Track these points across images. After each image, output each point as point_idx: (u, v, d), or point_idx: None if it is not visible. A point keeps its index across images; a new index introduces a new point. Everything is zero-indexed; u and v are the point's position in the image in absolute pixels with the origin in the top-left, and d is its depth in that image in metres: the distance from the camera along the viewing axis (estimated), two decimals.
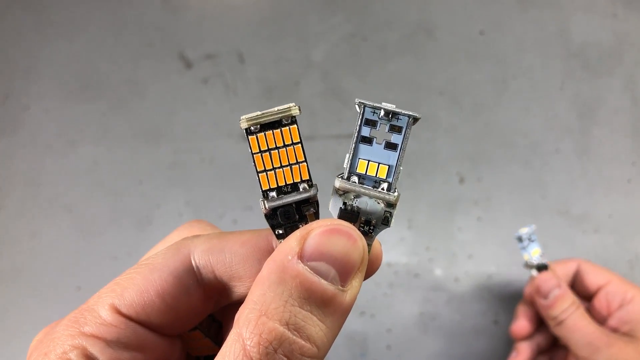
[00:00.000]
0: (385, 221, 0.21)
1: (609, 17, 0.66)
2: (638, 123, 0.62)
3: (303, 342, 0.18)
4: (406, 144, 0.20)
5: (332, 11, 0.66)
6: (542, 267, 0.45)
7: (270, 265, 0.19)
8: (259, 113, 0.20)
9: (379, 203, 0.21)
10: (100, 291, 0.22)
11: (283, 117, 0.20)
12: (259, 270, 0.22)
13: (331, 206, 0.21)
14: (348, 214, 0.21)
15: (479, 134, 0.61)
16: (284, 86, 0.64)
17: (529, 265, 0.46)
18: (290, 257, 0.19)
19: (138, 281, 0.22)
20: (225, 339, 0.24)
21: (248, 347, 0.18)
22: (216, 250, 0.23)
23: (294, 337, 0.18)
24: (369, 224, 0.21)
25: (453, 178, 0.60)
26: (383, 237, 0.62)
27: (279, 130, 0.20)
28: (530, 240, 0.46)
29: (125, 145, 0.62)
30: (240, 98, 0.63)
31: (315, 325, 0.18)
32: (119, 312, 0.21)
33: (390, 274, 0.57)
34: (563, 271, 0.47)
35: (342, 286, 0.19)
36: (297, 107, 0.20)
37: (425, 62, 0.64)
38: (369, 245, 0.21)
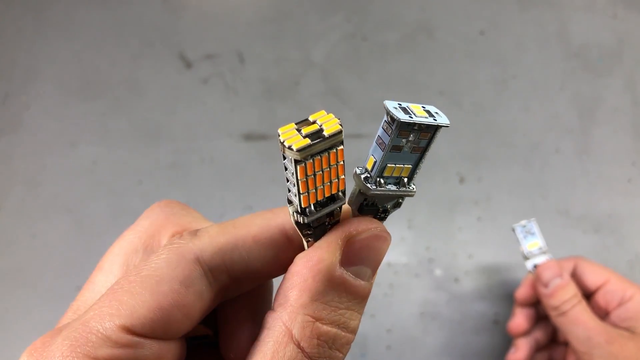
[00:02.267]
0: (397, 205, 0.22)
1: (609, 17, 0.66)
2: (638, 123, 0.62)
3: (349, 335, 0.21)
4: (431, 145, 0.21)
5: (332, 11, 0.66)
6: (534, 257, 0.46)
7: (315, 273, 0.20)
8: (308, 142, 0.18)
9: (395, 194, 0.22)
10: (99, 309, 0.20)
11: (335, 143, 0.19)
12: (275, 262, 0.23)
13: (353, 203, 0.22)
14: (369, 207, 0.22)
15: (479, 134, 0.61)
16: (284, 86, 0.64)
17: (524, 257, 0.47)
18: (335, 267, 0.20)
19: (146, 297, 0.20)
20: (240, 330, 0.25)
21: (307, 350, 0.20)
22: (228, 250, 0.22)
23: (344, 333, 0.21)
24: (386, 212, 0.22)
25: (453, 178, 0.60)
26: None
27: (326, 154, 0.19)
28: (530, 233, 0.47)
29: (125, 145, 0.62)
30: (240, 98, 0.63)
31: (356, 319, 0.21)
32: (132, 332, 0.20)
33: (390, 274, 0.57)
34: (565, 267, 0.47)
35: (372, 279, 0.22)
36: (340, 125, 0.19)
37: (425, 62, 0.64)
38: None
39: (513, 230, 0.47)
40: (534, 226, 0.47)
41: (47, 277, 0.58)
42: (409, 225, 0.58)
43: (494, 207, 0.59)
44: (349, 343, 0.21)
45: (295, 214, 0.20)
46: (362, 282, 0.21)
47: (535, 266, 0.46)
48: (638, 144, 0.61)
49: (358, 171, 0.21)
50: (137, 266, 0.22)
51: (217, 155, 0.61)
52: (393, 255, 0.57)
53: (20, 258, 0.58)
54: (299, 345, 0.20)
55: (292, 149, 0.18)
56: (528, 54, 0.64)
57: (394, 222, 0.58)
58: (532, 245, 0.46)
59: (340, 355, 0.21)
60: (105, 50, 0.66)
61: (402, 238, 0.58)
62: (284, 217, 0.23)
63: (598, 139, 0.61)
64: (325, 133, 0.19)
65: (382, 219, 0.23)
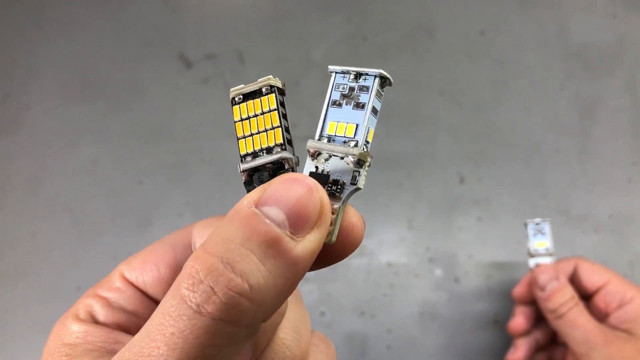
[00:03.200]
0: (354, 180, 0.21)
1: (609, 17, 0.66)
2: (638, 123, 0.62)
3: (232, 275, 0.17)
4: (374, 103, 0.21)
5: (332, 11, 0.66)
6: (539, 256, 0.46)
7: (227, 215, 0.19)
8: (242, 85, 0.22)
9: (348, 164, 0.21)
10: (122, 262, 0.26)
11: (262, 86, 0.22)
12: None
13: (304, 171, 0.22)
14: (317, 175, 0.21)
15: (479, 134, 0.61)
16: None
17: (529, 254, 0.47)
18: (245, 203, 0.19)
19: (145, 252, 0.25)
20: None
21: (180, 277, 0.17)
22: (211, 226, 0.24)
23: (224, 269, 0.17)
24: (337, 184, 0.21)
25: (453, 178, 0.60)
26: (383, 237, 0.62)
27: (258, 99, 0.22)
28: (541, 232, 0.46)
29: (125, 145, 0.62)
30: None
31: (252, 264, 0.17)
32: (124, 278, 0.24)
33: (390, 274, 0.57)
34: (562, 270, 0.47)
35: (293, 234, 0.18)
36: (277, 78, 0.22)
37: (425, 62, 0.64)
38: (340, 208, 0.21)
39: (525, 225, 0.47)
40: (546, 227, 0.47)
41: (47, 277, 0.58)
42: (409, 225, 0.58)
43: (494, 207, 0.59)
44: (231, 287, 0.17)
45: (238, 166, 0.22)
46: (268, 222, 0.18)
47: (537, 265, 0.46)
48: (638, 144, 0.61)
49: None
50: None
51: (217, 155, 0.61)
52: (393, 255, 0.57)
53: (20, 258, 0.58)
54: (180, 278, 0.17)
55: (230, 91, 0.22)
56: (528, 54, 0.64)
57: (394, 222, 0.58)
58: (540, 244, 0.46)
59: (218, 300, 0.16)
60: (105, 50, 0.66)
61: (402, 238, 0.58)
62: None
63: (598, 139, 0.61)
64: (258, 80, 0.22)
65: (333, 193, 0.21)
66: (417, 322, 0.55)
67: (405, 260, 0.57)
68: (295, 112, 0.62)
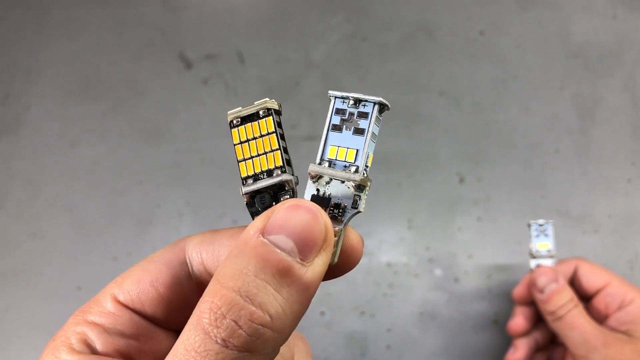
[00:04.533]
0: (355, 204, 0.22)
1: (609, 17, 0.66)
2: (638, 123, 0.62)
3: (254, 309, 0.18)
4: (373, 129, 0.22)
5: (332, 11, 0.66)
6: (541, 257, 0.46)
7: (235, 242, 0.20)
8: (240, 108, 0.23)
9: (349, 188, 0.22)
10: (108, 284, 0.24)
11: (259, 109, 0.22)
12: None
13: (306, 194, 0.22)
14: (319, 199, 0.22)
15: (479, 134, 0.61)
16: (284, 86, 0.64)
17: (531, 255, 0.46)
18: (252, 233, 0.19)
19: (136, 272, 0.23)
20: None
21: (200, 313, 0.18)
22: (206, 243, 0.24)
23: (244, 303, 0.18)
24: (339, 207, 0.22)
25: (453, 178, 0.60)
26: (383, 237, 0.62)
27: (256, 122, 0.22)
28: (544, 233, 0.46)
29: (125, 145, 0.62)
30: (240, 98, 0.63)
31: (269, 294, 0.18)
32: (117, 301, 0.23)
33: (390, 274, 0.57)
34: (561, 271, 0.47)
35: (302, 260, 0.19)
36: (273, 100, 0.22)
37: (425, 62, 0.64)
38: (341, 230, 0.21)
39: (529, 225, 0.47)
40: (549, 228, 0.47)
41: (47, 277, 0.58)
42: (409, 225, 0.58)
43: (493, 207, 0.59)
44: (254, 320, 0.17)
45: (240, 189, 0.22)
46: (279, 251, 0.19)
47: (538, 266, 0.46)
48: (637, 144, 0.61)
49: None
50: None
51: (217, 155, 0.61)
52: (393, 255, 0.57)
53: (21, 258, 0.58)
54: (199, 313, 0.18)
55: (227, 115, 0.22)
56: (528, 54, 0.64)
57: (394, 222, 0.58)
58: (542, 245, 0.46)
59: (243, 334, 0.17)
60: (105, 51, 0.66)
61: (402, 238, 0.58)
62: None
63: (597, 139, 0.61)
64: (255, 103, 0.22)
65: (335, 216, 0.21)
66: (417, 322, 0.55)
67: (405, 260, 0.57)
68: (295, 112, 0.62)
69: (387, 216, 0.58)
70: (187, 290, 0.23)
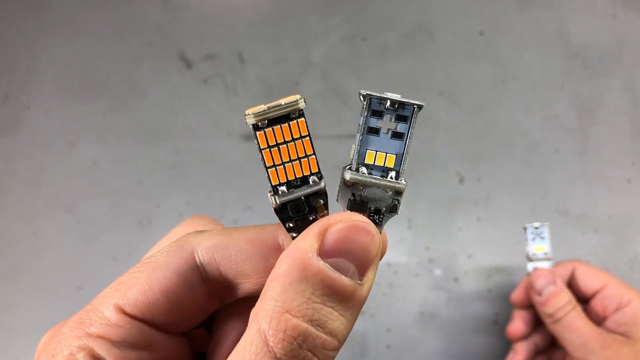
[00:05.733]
0: (394, 209, 0.22)
1: (609, 17, 0.66)
2: (638, 123, 0.62)
3: (326, 337, 0.19)
4: (412, 132, 0.21)
5: (332, 11, 0.66)
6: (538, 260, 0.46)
7: (289, 262, 0.19)
8: (265, 108, 0.19)
9: (386, 192, 0.21)
10: (104, 291, 0.22)
11: (291, 111, 0.20)
12: (265, 267, 0.22)
13: (340, 198, 0.21)
14: (357, 204, 0.21)
15: (479, 134, 0.61)
16: (284, 86, 0.64)
17: (527, 258, 0.46)
18: (310, 255, 0.19)
19: (142, 280, 0.22)
20: (228, 335, 0.23)
21: (271, 344, 0.18)
22: (221, 247, 0.23)
23: (318, 333, 0.18)
24: (379, 213, 0.22)
25: (453, 178, 0.60)
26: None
27: (287, 124, 0.20)
28: (540, 236, 0.46)
29: (125, 145, 0.62)
30: (240, 98, 0.63)
31: (337, 320, 0.19)
32: (124, 312, 0.21)
33: (390, 274, 0.57)
34: (559, 273, 0.47)
35: (360, 280, 0.20)
36: (303, 99, 0.20)
37: (425, 62, 0.64)
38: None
39: (524, 229, 0.47)
40: (545, 231, 0.47)
41: (47, 277, 0.58)
42: (409, 225, 0.58)
43: (493, 207, 0.59)
44: (327, 347, 0.19)
45: (271, 198, 0.21)
46: (343, 278, 0.19)
47: (535, 269, 0.46)
48: (637, 144, 0.61)
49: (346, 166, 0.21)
50: (146, 257, 0.23)
51: (217, 155, 0.61)
52: (393, 255, 0.57)
53: (21, 258, 0.58)
54: (265, 341, 0.18)
55: (249, 114, 0.19)
56: (528, 54, 0.64)
57: (394, 222, 0.58)
58: (539, 248, 0.46)
59: (314, 358, 0.18)
60: (105, 50, 0.66)
61: (402, 238, 0.58)
62: (279, 227, 0.23)
63: (597, 139, 0.61)
64: (282, 101, 0.19)
65: (376, 222, 0.21)
66: (416, 322, 0.55)
67: (404, 260, 0.57)
68: None
69: None
70: (199, 295, 0.23)
